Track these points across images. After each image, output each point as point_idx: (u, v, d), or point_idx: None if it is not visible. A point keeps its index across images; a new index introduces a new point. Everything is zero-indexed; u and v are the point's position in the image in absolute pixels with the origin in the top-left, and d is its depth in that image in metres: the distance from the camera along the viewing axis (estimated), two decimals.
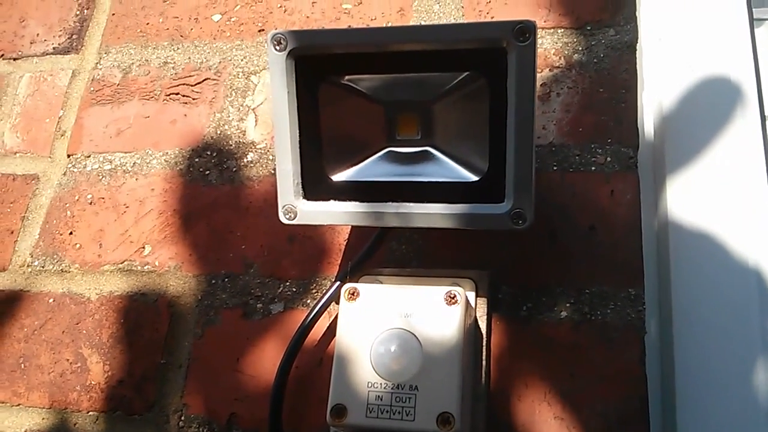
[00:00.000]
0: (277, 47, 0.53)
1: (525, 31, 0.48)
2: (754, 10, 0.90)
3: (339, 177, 0.56)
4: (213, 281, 0.69)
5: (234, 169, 0.74)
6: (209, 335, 0.67)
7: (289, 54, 0.53)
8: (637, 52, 0.69)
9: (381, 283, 0.60)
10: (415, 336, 0.53)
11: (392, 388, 0.52)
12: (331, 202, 0.55)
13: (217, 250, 0.70)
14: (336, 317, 0.64)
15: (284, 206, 0.55)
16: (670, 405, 0.60)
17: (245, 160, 0.74)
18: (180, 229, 0.72)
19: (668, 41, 0.79)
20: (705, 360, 0.60)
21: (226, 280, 0.69)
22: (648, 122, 0.74)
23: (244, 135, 0.75)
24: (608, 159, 0.65)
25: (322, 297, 0.61)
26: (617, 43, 0.69)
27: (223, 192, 0.73)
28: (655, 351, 0.62)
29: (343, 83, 0.54)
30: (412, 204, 0.53)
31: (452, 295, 0.54)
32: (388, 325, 0.54)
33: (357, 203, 0.55)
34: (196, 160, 0.75)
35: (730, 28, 0.84)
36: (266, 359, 0.65)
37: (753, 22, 0.87)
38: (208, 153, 0.75)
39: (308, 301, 0.66)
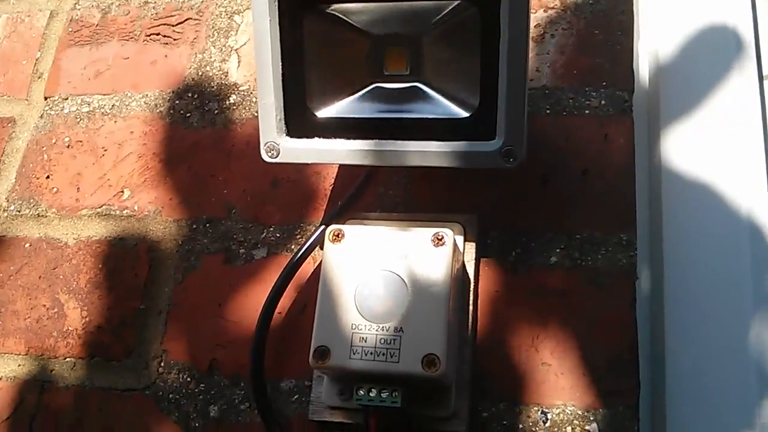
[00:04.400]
0: None
1: None
2: None
3: (324, 113, 0.53)
4: (194, 226, 0.67)
5: (216, 111, 0.71)
6: (190, 281, 0.65)
7: None
8: None
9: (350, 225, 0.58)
10: (401, 278, 0.51)
11: (377, 330, 0.50)
12: (316, 139, 0.53)
13: (199, 194, 0.68)
14: (321, 263, 0.62)
15: (266, 143, 0.53)
16: (659, 352, 0.59)
17: (228, 102, 0.71)
18: (160, 173, 0.70)
19: None
20: (696, 307, 0.59)
21: (208, 225, 0.67)
22: (643, 68, 0.72)
23: (226, 76, 0.73)
24: (603, 102, 0.63)
25: (306, 241, 0.60)
26: None
27: (205, 135, 0.70)
28: (647, 297, 0.61)
29: (328, 13, 0.52)
30: (400, 141, 0.51)
31: (440, 237, 0.52)
32: (374, 266, 0.52)
33: (343, 141, 0.52)
34: (177, 102, 0.73)
35: None
36: (249, 305, 0.63)
37: None
38: (189, 95, 0.73)
39: (293, 247, 0.64)
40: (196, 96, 0.72)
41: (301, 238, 0.64)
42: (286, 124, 0.53)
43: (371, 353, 0.50)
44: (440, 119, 0.52)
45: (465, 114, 0.51)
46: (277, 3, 0.50)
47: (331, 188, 0.65)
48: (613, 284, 0.57)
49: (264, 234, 0.65)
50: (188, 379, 0.62)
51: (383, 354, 0.50)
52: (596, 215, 0.60)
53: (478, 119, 0.50)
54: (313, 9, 0.51)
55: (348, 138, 0.52)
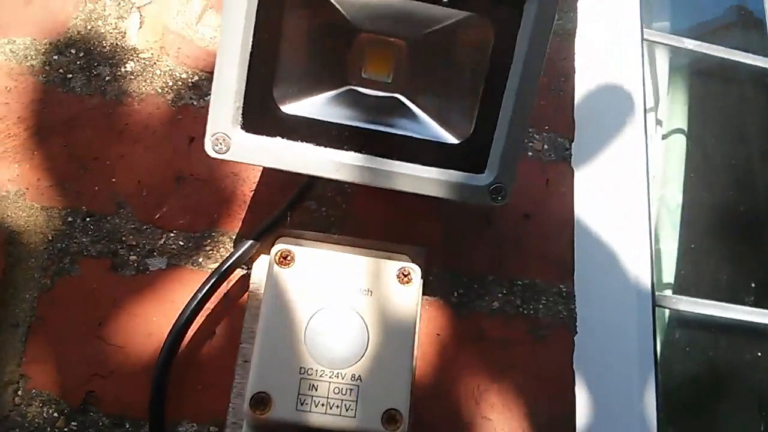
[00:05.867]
0: None
1: None
2: (645, 31, 0.94)
3: (290, 110, 0.44)
4: (69, 219, 0.53)
5: (107, 77, 0.58)
6: (62, 288, 0.51)
7: None
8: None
9: (302, 246, 0.50)
10: (360, 316, 0.44)
11: (330, 377, 0.42)
12: (278, 139, 0.44)
13: (78, 179, 0.54)
14: (234, 284, 0.52)
15: (215, 134, 0.43)
16: None
17: (123, 69, 0.58)
18: (26, 144, 0.55)
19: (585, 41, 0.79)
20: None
21: (89, 219, 0.53)
22: None
23: (123, 37, 0.59)
24: (545, 146, 0.61)
25: (230, 256, 0.49)
26: (559, 29, 0.66)
27: (91, 105, 0.56)
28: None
29: None
30: (378, 158, 0.44)
31: (406, 273, 0.46)
32: (329, 300, 0.44)
33: (310, 146, 0.44)
34: (56, 57, 0.58)
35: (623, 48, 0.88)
36: (139, 326, 0.51)
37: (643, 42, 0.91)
38: (73, 51, 0.58)
39: (200, 260, 0.53)
40: (81, 54, 0.58)
41: (212, 250, 0.54)
42: (243, 114, 0.43)
43: (323, 405, 0.42)
44: (425, 141, 0.45)
45: (454, 140, 0.45)
46: None
47: (251, 194, 0.56)
48: (554, 336, 0.55)
49: (163, 240, 0.54)
50: (55, 414, 0.48)
51: (337, 407, 0.42)
52: (537, 262, 0.57)
53: (468, 148, 0.45)
54: None
55: (317, 144, 0.44)
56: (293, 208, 0.52)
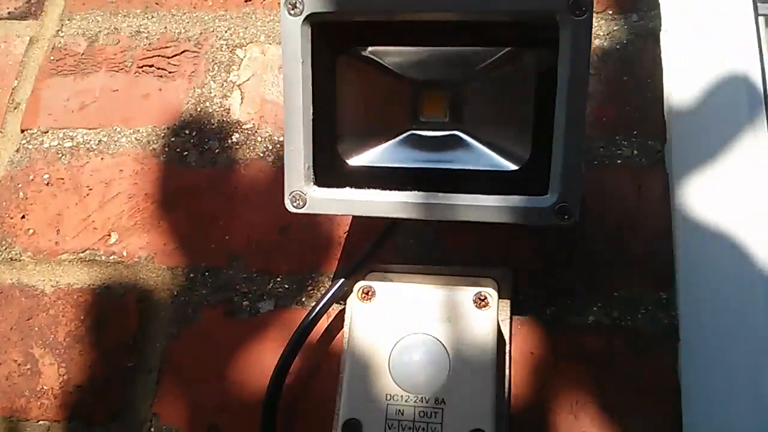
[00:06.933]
0: (292, 11, 0.45)
1: (581, 3, 0.43)
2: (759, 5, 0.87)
3: (355, 161, 0.49)
4: (191, 275, 0.61)
5: (216, 150, 0.66)
6: (187, 335, 0.59)
7: (305, 20, 0.46)
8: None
9: (391, 281, 0.54)
10: (440, 342, 0.47)
11: (416, 402, 0.45)
12: (347, 189, 0.48)
13: (197, 240, 0.62)
14: (334, 319, 0.57)
15: (292, 193, 0.48)
16: None
17: (230, 141, 0.66)
18: (153, 215, 0.64)
19: (674, 35, 0.76)
20: (712, 366, 0.55)
21: (207, 273, 0.61)
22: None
23: (228, 113, 0.67)
24: (635, 152, 0.60)
25: (324, 295, 0.54)
26: (641, 30, 0.65)
27: (204, 175, 0.65)
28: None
29: (364, 56, 0.48)
30: (443, 194, 0.47)
31: (482, 297, 0.48)
32: (410, 329, 0.47)
33: (377, 191, 0.48)
34: (173, 139, 0.67)
35: (736, 24, 0.81)
36: (253, 364, 0.57)
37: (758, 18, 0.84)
38: (187, 132, 0.67)
39: (303, 300, 0.59)
40: (194, 133, 0.67)
41: (313, 290, 0.59)
42: (314, 172, 0.48)
43: (410, 428, 0.45)
44: (485, 171, 0.47)
45: (513, 166, 0.47)
46: (310, 44, 0.46)
47: (345, 236, 0.60)
48: (655, 346, 0.54)
49: (270, 285, 0.60)
50: None
51: (423, 429, 0.44)
52: (634, 272, 0.56)
53: (528, 172, 0.47)
54: (348, 51, 0.47)
55: (382, 188, 0.48)
56: (380, 247, 0.56)
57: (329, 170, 0.48)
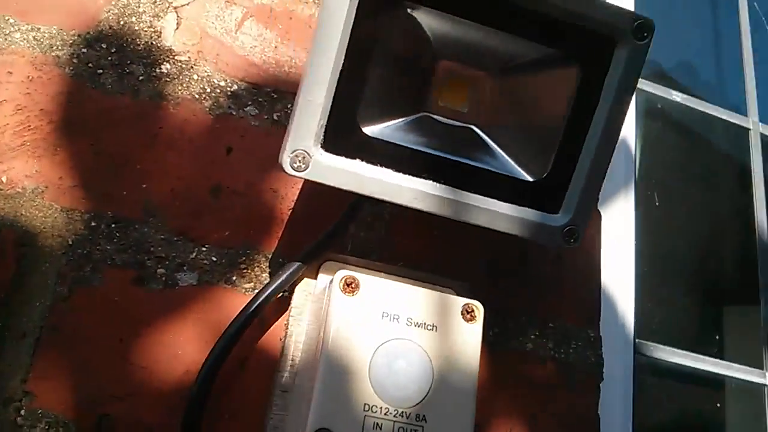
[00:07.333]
0: None
1: (644, 28, 0.42)
2: None
3: (370, 131, 0.43)
4: (93, 224, 0.49)
5: (140, 77, 0.54)
6: (80, 299, 0.46)
7: None
8: None
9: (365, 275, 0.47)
10: (426, 352, 0.42)
11: (395, 416, 0.40)
12: (358, 162, 0.42)
13: (105, 181, 0.50)
14: (268, 308, 0.49)
15: (295, 151, 0.40)
16: None
17: (158, 70, 0.54)
18: (48, 138, 0.50)
19: None
20: None
21: (114, 226, 0.49)
22: None
23: (159, 37, 0.55)
24: None
25: (276, 279, 0.47)
26: None
27: (122, 104, 0.52)
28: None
29: (409, 16, 0.42)
30: (457, 190, 0.43)
31: (470, 310, 0.44)
32: (394, 333, 0.42)
33: (389, 171, 0.42)
34: (84, 50, 0.53)
35: None
36: (165, 346, 0.47)
37: None
38: (104, 46, 0.54)
39: (234, 278, 0.50)
40: (113, 50, 0.54)
41: (246, 269, 0.50)
42: (325, 133, 0.41)
43: None
44: (500, 175, 0.44)
45: (527, 177, 0.45)
46: None
47: (289, 212, 0.53)
48: (583, 382, 0.55)
49: (194, 254, 0.50)
50: None
51: None
52: (568, 305, 0.57)
53: (543, 188, 0.45)
54: (397, 5, 0.41)
55: (396, 170, 0.42)
56: (343, 231, 0.49)
57: (342, 135, 0.41)
